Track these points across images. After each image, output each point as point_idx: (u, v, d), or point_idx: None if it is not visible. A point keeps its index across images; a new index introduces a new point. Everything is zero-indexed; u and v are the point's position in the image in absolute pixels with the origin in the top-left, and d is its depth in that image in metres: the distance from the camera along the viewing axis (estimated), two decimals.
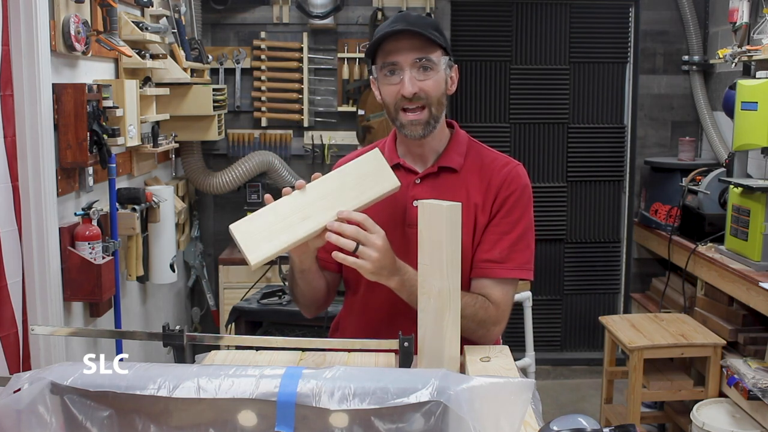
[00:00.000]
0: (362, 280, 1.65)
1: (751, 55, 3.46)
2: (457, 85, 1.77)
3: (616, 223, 4.76)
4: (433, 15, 4.25)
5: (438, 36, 1.67)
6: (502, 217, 1.72)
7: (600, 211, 4.74)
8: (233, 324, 3.11)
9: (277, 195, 1.56)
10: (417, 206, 1.65)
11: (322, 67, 4.40)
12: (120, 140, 2.77)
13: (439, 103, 1.70)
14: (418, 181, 1.76)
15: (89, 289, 2.57)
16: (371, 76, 1.76)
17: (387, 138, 1.86)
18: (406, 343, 1.45)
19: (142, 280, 3.31)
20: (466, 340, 1.57)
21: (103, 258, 2.65)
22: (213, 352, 1.63)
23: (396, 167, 1.78)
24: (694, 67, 4.42)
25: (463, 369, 1.51)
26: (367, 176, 1.56)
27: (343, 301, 1.91)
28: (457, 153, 1.77)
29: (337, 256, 1.52)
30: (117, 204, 2.88)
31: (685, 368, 3.60)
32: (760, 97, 3.12)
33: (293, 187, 1.55)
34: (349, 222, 1.51)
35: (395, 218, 1.75)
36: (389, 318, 1.74)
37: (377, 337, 1.59)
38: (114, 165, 2.78)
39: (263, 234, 1.48)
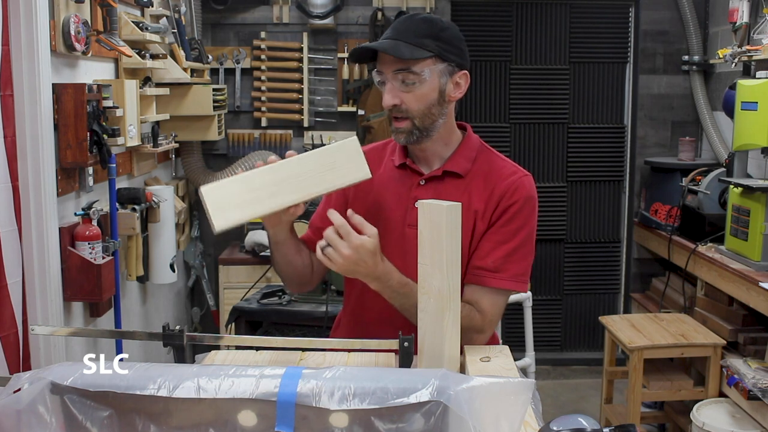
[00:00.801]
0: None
1: (751, 55, 3.46)
2: (466, 89, 1.72)
3: (616, 223, 4.76)
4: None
5: (429, 44, 1.63)
6: (501, 225, 1.70)
7: (600, 211, 4.74)
8: (233, 324, 3.11)
9: None
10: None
11: (322, 67, 4.40)
12: (120, 140, 2.77)
13: (425, 115, 1.66)
14: (422, 183, 1.76)
15: (89, 289, 2.57)
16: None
17: None
18: (406, 343, 1.46)
19: (142, 280, 3.31)
20: None
21: (103, 258, 2.64)
22: (213, 352, 1.64)
23: (402, 167, 1.78)
24: (694, 67, 4.42)
25: (463, 369, 1.52)
26: (340, 163, 1.56)
27: (343, 300, 1.91)
28: (465, 158, 1.75)
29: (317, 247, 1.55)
30: (117, 204, 2.87)
31: (685, 368, 3.60)
32: (760, 97, 3.12)
33: (266, 162, 1.56)
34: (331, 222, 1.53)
35: (396, 218, 1.75)
36: (387, 315, 1.73)
37: (375, 335, 1.59)
38: (114, 165, 2.78)
39: (231, 202, 1.51)
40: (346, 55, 4.35)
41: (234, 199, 1.51)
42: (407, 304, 1.60)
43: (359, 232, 1.52)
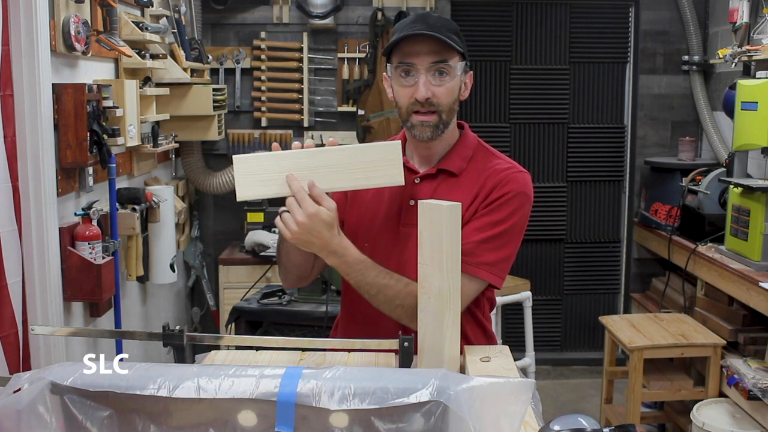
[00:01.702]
0: None
1: (751, 55, 3.46)
2: (470, 90, 1.76)
3: (616, 223, 4.76)
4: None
5: (457, 41, 1.65)
6: (483, 215, 1.68)
7: (600, 211, 4.74)
8: (233, 324, 3.11)
9: None
10: (414, 205, 1.65)
11: (322, 67, 4.40)
12: (120, 140, 2.77)
13: (451, 110, 1.69)
14: (417, 181, 1.76)
15: (89, 289, 2.57)
16: (385, 74, 1.75)
17: (398, 135, 1.85)
18: (406, 343, 1.46)
19: (142, 280, 3.31)
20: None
21: (103, 258, 2.64)
22: (213, 352, 1.64)
23: None
24: (694, 67, 4.42)
25: (463, 369, 1.52)
26: (377, 164, 1.55)
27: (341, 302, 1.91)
28: (460, 157, 1.75)
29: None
30: (117, 204, 2.88)
31: (685, 368, 3.60)
32: (760, 97, 3.12)
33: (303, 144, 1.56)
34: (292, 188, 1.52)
35: (391, 216, 1.75)
36: (383, 315, 1.73)
37: (372, 335, 1.59)
38: (114, 165, 2.78)
39: (259, 177, 1.53)
40: (346, 55, 4.35)
41: (261, 174, 1.53)
42: (362, 282, 1.61)
43: (318, 204, 1.52)
